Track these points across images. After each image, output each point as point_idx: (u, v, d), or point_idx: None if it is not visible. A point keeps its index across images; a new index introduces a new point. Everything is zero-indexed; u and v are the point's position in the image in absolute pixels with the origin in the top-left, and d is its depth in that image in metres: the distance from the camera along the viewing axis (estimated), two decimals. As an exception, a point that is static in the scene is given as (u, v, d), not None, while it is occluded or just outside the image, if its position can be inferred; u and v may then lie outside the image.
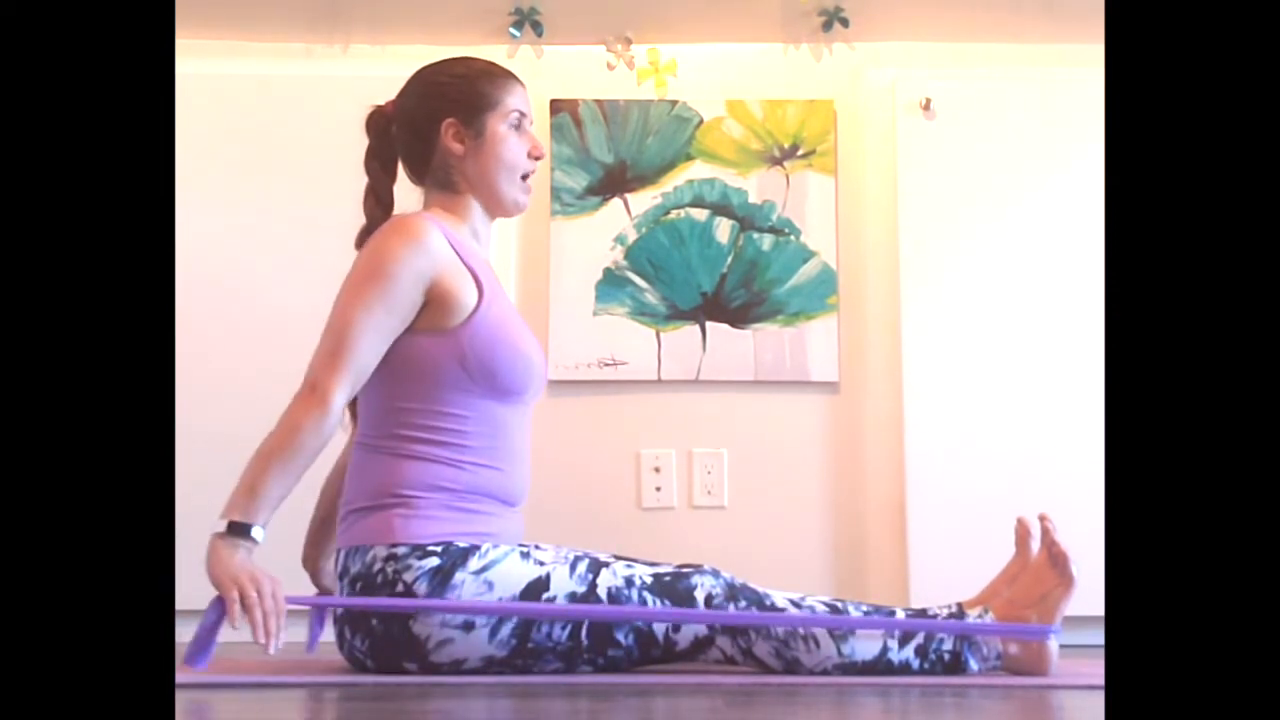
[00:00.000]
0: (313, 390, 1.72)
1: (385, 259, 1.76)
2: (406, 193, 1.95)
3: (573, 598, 1.73)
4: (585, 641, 1.73)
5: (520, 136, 1.91)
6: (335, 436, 1.75)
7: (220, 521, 1.68)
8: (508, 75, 1.94)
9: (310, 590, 1.98)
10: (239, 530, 1.67)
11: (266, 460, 1.69)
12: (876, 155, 2.87)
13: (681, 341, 2.81)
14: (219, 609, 1.65)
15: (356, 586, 1.74)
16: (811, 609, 1.76)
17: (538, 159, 1.93)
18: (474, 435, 1.79)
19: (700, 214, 2.85)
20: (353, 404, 1.90)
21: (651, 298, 2.82)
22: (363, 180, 1.94)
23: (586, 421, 2.79)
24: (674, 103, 2.88)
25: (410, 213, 1.87)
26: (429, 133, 1.89)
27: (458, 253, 1.81)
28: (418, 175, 1.93)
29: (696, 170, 2.86)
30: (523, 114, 1.92)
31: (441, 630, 1.70)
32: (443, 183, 1.90)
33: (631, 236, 2.83)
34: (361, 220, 1.91)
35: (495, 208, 1.92)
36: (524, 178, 1.92)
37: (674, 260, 2.83)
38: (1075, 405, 2.72)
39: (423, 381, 1.78)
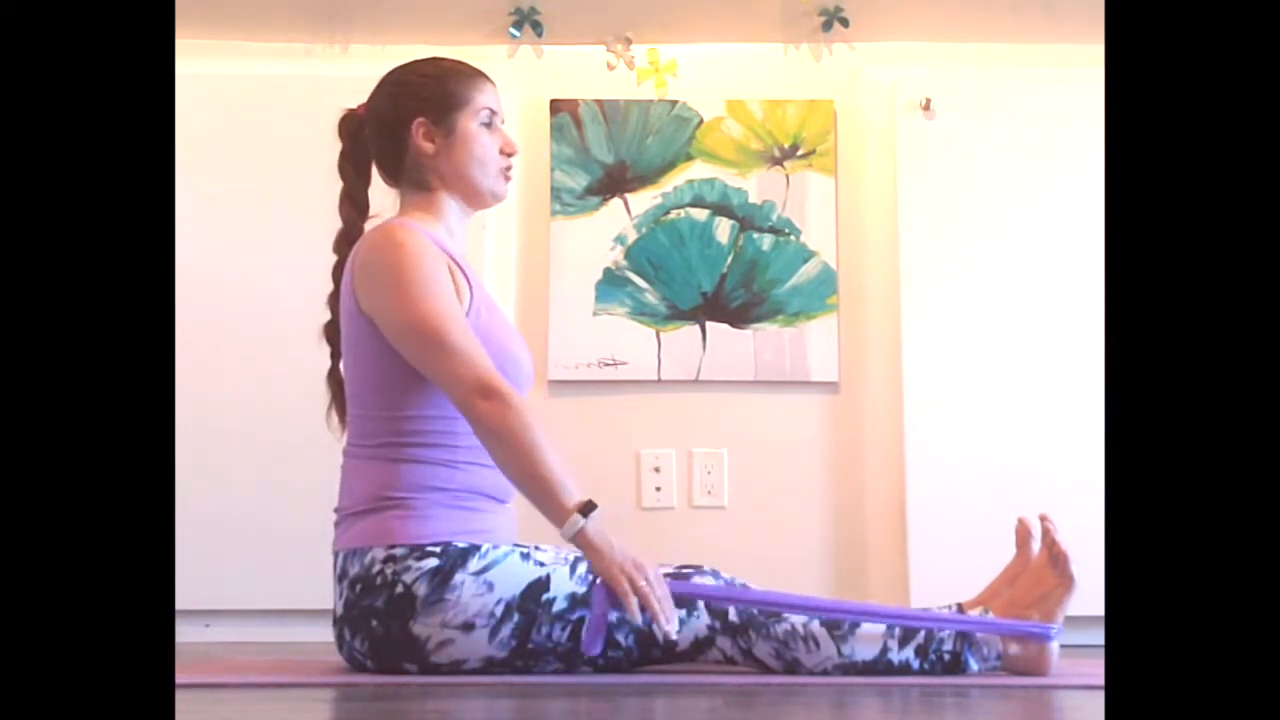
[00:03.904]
0: (485, 396, 1.69)
1: (408, 258, 1.75)
2: (382, 195, 1.94)
3: (573, 599, 1.73)
4: (585, 642, 1.73)
5: (491, 134, 1.91)
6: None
7: (569, 522, 1.66)
8: (477, 74, 1.93)
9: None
10: (588, 508, 1.67)
11: (535, 460, 1.68)
12: (876, 155, 2.87)
13: (681, 341, 2.81)
14: (608, 599, 1.63)
15: (356, 588, 1.74)
16: (812, 609, 1.76)
17: (510, 155, 1.93)
18: (466, 436, 1.79)
19: (700, 214, 2.85)
20: (340, 409, 1.89)
21: (651, 298, 2.82)
22: (362, 180, 1.94)
23: (586, 421, 2.79)
24: (674, 103, 2.88)
25: (388, 220, 1.86)
26: (400, 133, 1.88)
27: (444, 251, 1.82)
28: (392, 177, 1.93)
29: (696, 170, 2.86)
30: (493, 111, 1.92)
31: (442, 631, 1.70)
32: (417, 182, 1.90)
33: (631, 236, 2.83)
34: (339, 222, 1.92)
35: (474, 200, 1.92)
36: (500, 171, 1.92)
37: (674, 260, 2.83)
38: (1075, 405, 2.72)
39: (414, 385, 1.77)
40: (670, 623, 1.64)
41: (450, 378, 1.72)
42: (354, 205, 1.92)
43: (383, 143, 1.91)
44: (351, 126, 1.94)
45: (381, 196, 1.94)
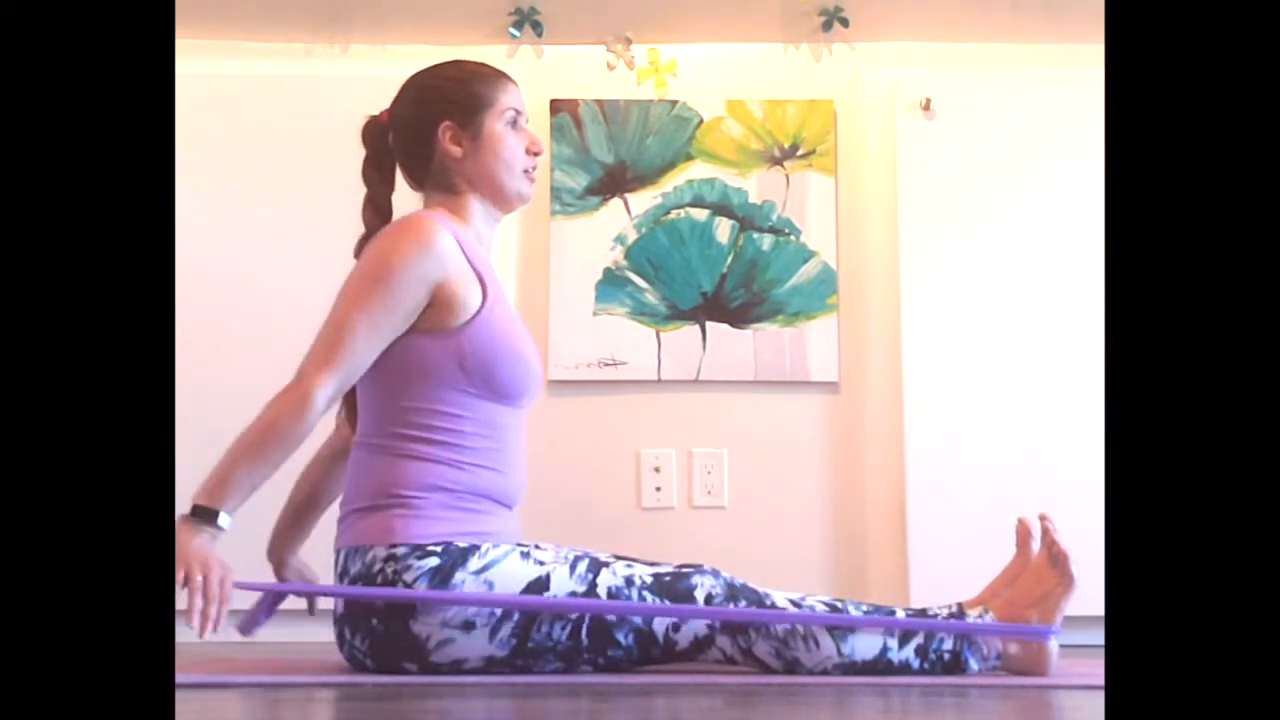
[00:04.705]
0: (299, 383, 1.73)
1: (392, 261, 1.76)
2: (406, 200, 1.94)
3: (573, 597, 1.73)
4: (585, 641, 1.73)
5: (517, 134, 1.91)
6: (317, 428, 1.74)
7: (185, 512, 1.67)
8: (500, 75, 1.94)
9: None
10: (204, 515, 1.67)
11: (242, 449, 1.70)
12: (876, 155, 2.87)
13: (681, 341, 2.81)
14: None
15: (357, 586, 1.74)
16: (811, 609, 1.76)
17: (536, 155, 1.93)
18: (472, 436, 1.79)
19: (700, 214, 2.85)
20: (352, 403, 1.90)
21: (651, 298, 2.82)
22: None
23: (586, 421, 2.80)
24: (674, 103, 2.88)
25: (421, 212, 1.86)
26: (426, 137, 1.88)
27: (465, 254, 1.82)
28: (417, 181, 1.93)
29: (696, 170, 2.86)
30: (518, 111, 1.92)
31: (442, 630, 1.70)
32: (443, 186, 1.90)
33: (631, 236, 2.83)
34: (360, 227, 1.92)
35: (500, 203, 1.92)
36: (525, 172, 1.92)
37: (674, 260, 2.83)
38: (1075, 405, 2.72)
39: (422, 381, 1.78)
40: (203, 626, 1.62)
41: (308, 352, 1.76)
42: (376, 211, 1.92)
43: (409, 148, 1.91)
44: (374, 132, 1.94)
45: (406, 201, 1.94)
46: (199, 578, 1.62)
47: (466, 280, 1.80)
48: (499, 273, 2.78)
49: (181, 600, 1.60)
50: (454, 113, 1.88)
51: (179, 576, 1.62)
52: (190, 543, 1.65)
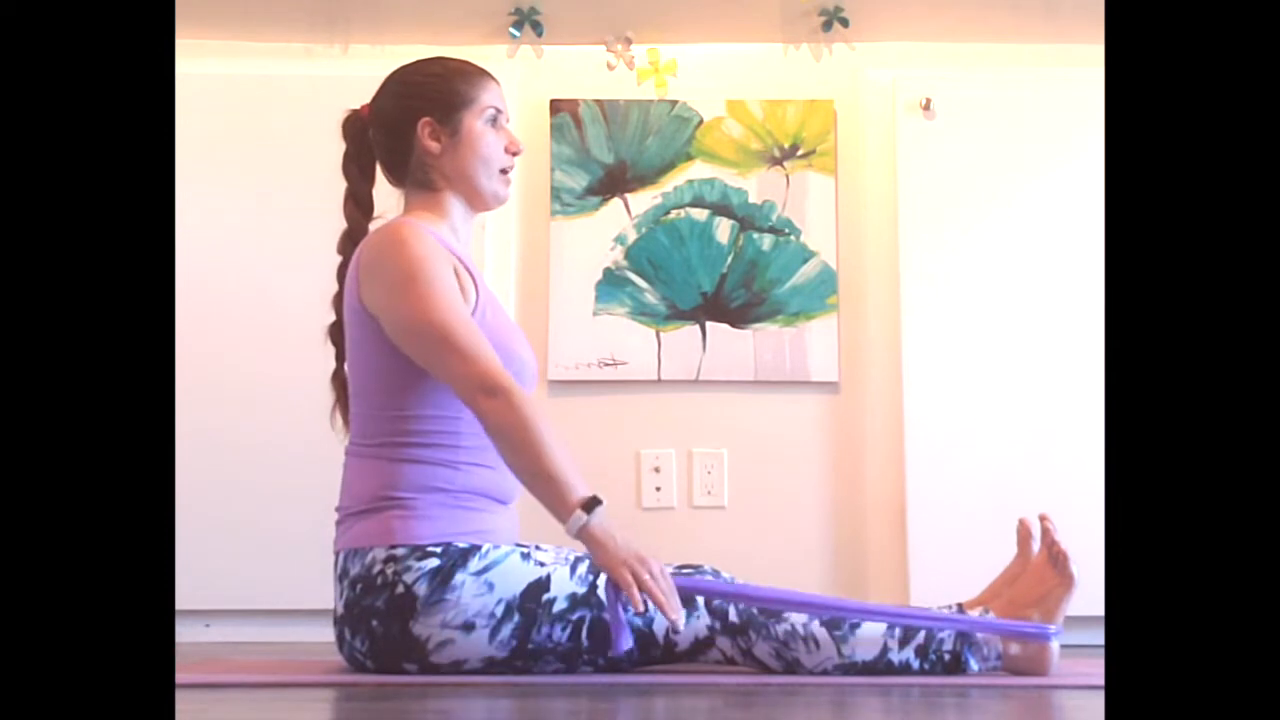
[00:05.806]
0: (490, 396, 1.69)
1: (414, 257, 1.75)
2: (385, 195, 1.94)
3: (573, 599, 1.73)
4: (586, 643, 1.73)
5: (497, 133, 1.91)
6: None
7: (573, 518, 1.66)
8: (482, 73, 1.94)
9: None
10: (592, 504, 1.67)
11: (546, 454, 1.68)
12: (876, 155, 2.87)
13: (681, 341, 2.81)
14: (616, 594, 1.64)
15: (357, 588, 1.74)
16: (812, 609, 1.76)
17: (515, 154, 1.93)
18: (468, 435, 1.79)
19: (700, 214, 2.85)
20: (344, 409, 1.89)
21: (651, 298, 2.82)
22: (362, 181, 1.94)
23: (586, 421, 2.79)
24: (674, 103, 2.88)
25: (394, 219, 1.86)
26: (405, 133, 1.88)
27: (451, 252, 1.82)
28: (396, 177, 1.93)
29: (696, 170, 2.86)
30: (498, 110, 1.92)
31: (442, 631, 1.70)
32: (421, 182, 1.90)
33: (631, 236, 2.83)
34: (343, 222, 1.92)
35: (476, 202, 1.92)
36: (503, 172, 1.92)
37: (674, 260, 2.83)
38: (1075, 405, 2.72)
39: (420, 386, 1.78)
40: (676, 613, 1.64)
41: (456, 375, 1.72)
42: (358, 206, 1.92)
43: (388, 143, 1.91)
44: (355, 127, 1.94)
45: (385, 197, 1.94)
46: (646, 575, 1.64)
47: (460, 274, 1.80)
48: (499, 273, 2.81)
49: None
50: (434, 109, 1.88)
51: (627, 580, 1.62)
52: (615, 544, 1.66)
